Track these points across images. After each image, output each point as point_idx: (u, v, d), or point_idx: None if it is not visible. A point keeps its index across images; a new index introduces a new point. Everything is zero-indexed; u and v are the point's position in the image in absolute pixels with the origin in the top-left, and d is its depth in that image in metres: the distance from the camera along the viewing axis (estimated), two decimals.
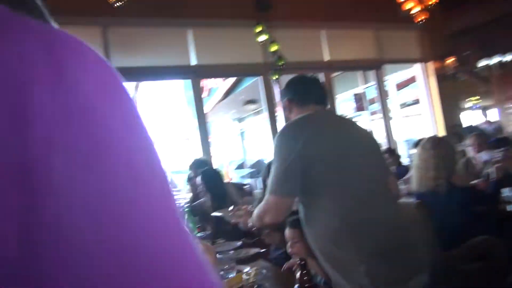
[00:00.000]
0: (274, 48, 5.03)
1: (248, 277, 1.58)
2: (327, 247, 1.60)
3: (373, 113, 7.36)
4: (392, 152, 5.67)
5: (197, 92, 5.23)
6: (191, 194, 4.41)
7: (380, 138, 6.64)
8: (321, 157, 1.58)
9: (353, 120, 2.01)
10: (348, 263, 1.55)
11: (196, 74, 5.15)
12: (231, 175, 10.55)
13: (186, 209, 2.73)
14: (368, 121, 7.31)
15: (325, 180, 1.57)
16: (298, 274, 1.38)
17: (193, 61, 5.09)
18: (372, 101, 7.28)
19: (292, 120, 1.75)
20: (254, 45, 5.13)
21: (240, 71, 5.97)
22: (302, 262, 1.37)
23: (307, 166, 1.56)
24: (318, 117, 1.72)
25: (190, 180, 4.30)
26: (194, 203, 3.88)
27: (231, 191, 3.66)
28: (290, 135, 1.64)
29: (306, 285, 1.37)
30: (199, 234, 2.67)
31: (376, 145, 1.83)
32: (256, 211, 1.75)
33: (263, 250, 2.48)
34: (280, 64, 5.10)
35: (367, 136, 1.83)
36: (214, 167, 4.58)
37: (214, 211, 2.92)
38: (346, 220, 1.55)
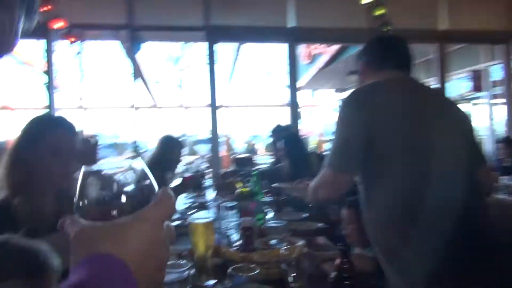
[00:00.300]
0: (379, 12, 4.54)
1: (288, 252, 1.45)
2: (384, 237, 1.39)
3: (495, 97, 6.42)
4: (509, 142, 4.90)
5: (292, 56, 5.03)
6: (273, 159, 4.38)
7: (500, 125, 5.79)
8: (387, 131, 1.33)
9: (444, 94, 1.67)
10: (405, 258, 1.32)
11: (293, 37, 4.93)
12: (325, 147, 10.32)
13: (255, 172, 2.65)
14: (487, 105, 6.41)
15: (389, 159, 1.33)
16: (337, 261, 1.21)
17: (291, 23, 4.87)
18: (496, 83, 6.32)
19: (359, 86, 1.51)
20: (358, 8, 4.70)
21: (342, 37, 5.55)
22: (344, 248, 1.19)
23: (370, 140, 1.34)
24: (392, 84, 1.44)
25: (274, 145, 4.25)
26: (270, 168, 3.83)
27: (312, 161, 3.51)
28: (353, 104, 1.42)
29: (345, 274, 1.18)
30: (264, 199, 2.59)
31: (466, 126, 1.50)
32: (311, 184, 1.59)
33: (327, 226, 2.31)
34: (385, 30, 4.60)
35: (457, 114, 1.50)
36: (304, 136, 4.45)
37: (291, 178, 2.82)
38: (409, 209, 1.31)
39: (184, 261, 1.39)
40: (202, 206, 3.01)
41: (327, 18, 4.86)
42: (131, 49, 4.90)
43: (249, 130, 13.30)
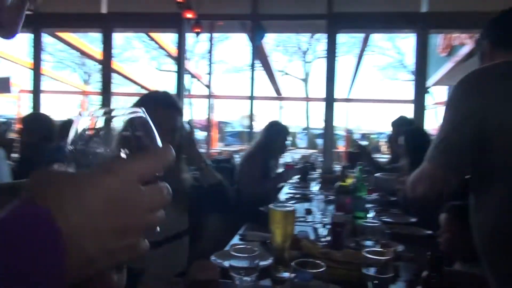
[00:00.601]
0: None
1: (372, 257, 1.27)
2: (491, 249, 1.12)
3: None
4: None
5: (423, 47, 4.53)
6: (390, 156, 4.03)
7: None
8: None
9: None
10: None
11: (426, 23, 4.44)
12: None
13: (360, 167, 2.45)
14: None
15: (510, 161, 1.06)
16: (424, 274, 1.01)
17: (424, 7, 4.39)
18: None
19: (480, 67, 1.23)
20: None
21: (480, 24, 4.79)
22: (433, 258, 0.98)
23: (486, 136, 1.08)
24: None
25: (390, 139, 3.89)
26: (384, 166, 3.51)
27: None
28: (468, 86, 1.16)
29: None
30: (366, 196, 2.36)
31: None
32: (410, 178, 1.38)
33: (436, 234, 2.01)
34: None
35: None
36: (432, 135, 3.97)
37: None
38: None
39: (257, 248, 1.33)
40: (305, 198, 2.94)
41: (469, 1, 4.24)
42: (255, 39, 5.03)
43: (374, 127, 12.69)
